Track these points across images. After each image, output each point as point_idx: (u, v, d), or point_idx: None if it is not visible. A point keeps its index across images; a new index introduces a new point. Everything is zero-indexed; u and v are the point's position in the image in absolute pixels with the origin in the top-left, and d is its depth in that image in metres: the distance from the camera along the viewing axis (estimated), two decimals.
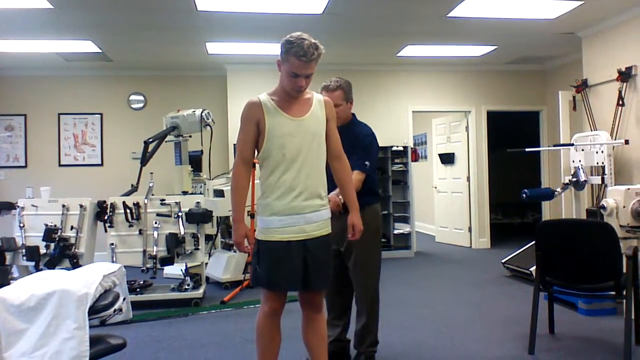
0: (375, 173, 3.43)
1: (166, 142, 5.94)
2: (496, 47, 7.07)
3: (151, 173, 5.12)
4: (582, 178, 5.48)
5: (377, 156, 3.48)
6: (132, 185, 5.40)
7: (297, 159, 2.55)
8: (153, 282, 5.27)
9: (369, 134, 3.34)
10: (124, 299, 2.93)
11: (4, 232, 4.99)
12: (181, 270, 5.31)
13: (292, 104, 2.59)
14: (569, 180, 5.58)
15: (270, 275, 2.58)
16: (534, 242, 3.73)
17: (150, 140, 5.62)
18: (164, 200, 4.94)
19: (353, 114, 3.37)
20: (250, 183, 2.84)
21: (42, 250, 4.76)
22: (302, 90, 2.57)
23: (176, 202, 4.92)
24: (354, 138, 3.17)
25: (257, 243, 2.62)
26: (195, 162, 6.48)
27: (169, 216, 4.89)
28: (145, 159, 5.54)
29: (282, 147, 2.54)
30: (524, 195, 5.23)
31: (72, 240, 4.80)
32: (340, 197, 2.94)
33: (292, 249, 2.54)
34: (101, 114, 7.92)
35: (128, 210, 4.84)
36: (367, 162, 3.20)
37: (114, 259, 4.75)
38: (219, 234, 6.23)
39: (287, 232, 2.55)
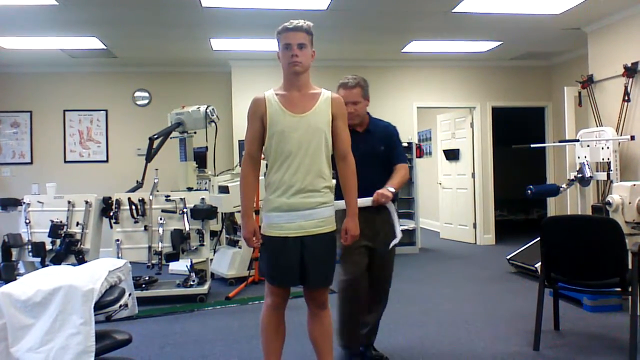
0: None
1: (171, 138, 5.95)
2: (501, 42, 7.04)
3: (156, 169, 5.13)
4: (588, 174, 5.46)
5: None
6: (137, 181, 5.43)
7: (296, 154, 2.54)
8: (158, 278, 5.29)
9: (394, 127, 3.40)
10: (129, 295, 2.96)
11: (10, 229, 5.03)
12: (186, 266, 5.34)
13: (295, 100, 2.58)
14: (575, 177, 5.56)
15: (269, 270, 2.63)
16: (538, 238, 3.72)
17: (155, 136, 5.63)
18: (169, 196, 4.96)
19: (367, 112, 3.34)
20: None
21: (48, 246, 4.77)
22: (298, 64, 2.53)
23: (181, 199, 4.93)
24: (388, 134, 3.28)
25: (262, 237, 2.65)
26: (200, 158, 6.49)
27: (174, 212, 4.90)
28: (150, 156, 5.56)
29: (281, 143, 2.55)
30: (529, 191, 5.22)
31: (78, 237, 4.82)
32: (390, 188, 3.01)
33: (289, 245, 2.55)
34: (106, 111, 7.94)
35: (133, 207, 4.85)
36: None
37: (120, 255, 4.77)
38: (223, 230, 6.25)
39: (284, 228, 2.55)
